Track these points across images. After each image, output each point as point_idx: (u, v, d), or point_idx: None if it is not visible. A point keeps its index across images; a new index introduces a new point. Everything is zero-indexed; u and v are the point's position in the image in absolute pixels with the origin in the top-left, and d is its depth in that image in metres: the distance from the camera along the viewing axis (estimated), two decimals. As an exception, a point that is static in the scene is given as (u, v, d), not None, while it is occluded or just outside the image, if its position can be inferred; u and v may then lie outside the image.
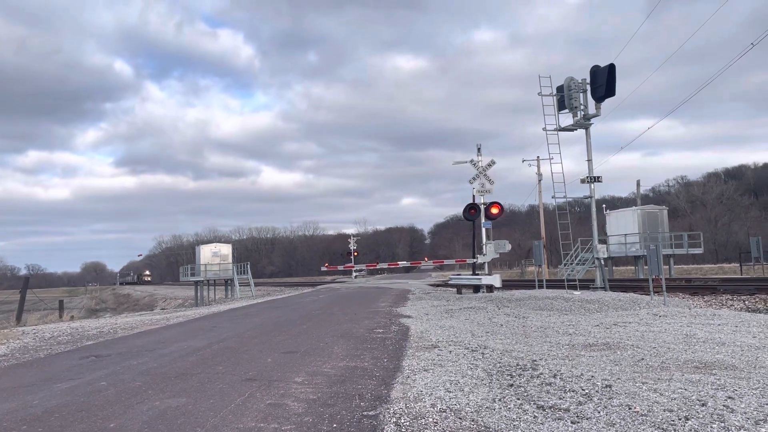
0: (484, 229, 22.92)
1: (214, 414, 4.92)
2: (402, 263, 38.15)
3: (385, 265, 45.87)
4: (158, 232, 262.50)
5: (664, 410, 4.58)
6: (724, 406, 4.67)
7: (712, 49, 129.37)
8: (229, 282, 42.35)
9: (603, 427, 4.26)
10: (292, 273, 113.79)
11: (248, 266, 40.94)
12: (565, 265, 27.29)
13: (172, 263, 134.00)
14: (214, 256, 42.35)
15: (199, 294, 43.45)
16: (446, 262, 40.93)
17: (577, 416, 4.53)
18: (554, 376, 5.97)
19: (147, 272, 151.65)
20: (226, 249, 43.71)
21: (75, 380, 6.67)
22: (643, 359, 6.86)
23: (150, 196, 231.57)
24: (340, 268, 45.69)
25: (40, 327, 15.03)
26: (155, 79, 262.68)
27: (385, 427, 4.47)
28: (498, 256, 24.12)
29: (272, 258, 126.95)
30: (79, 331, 12.96)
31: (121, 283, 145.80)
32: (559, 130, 21.15)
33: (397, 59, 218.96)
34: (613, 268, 38.52)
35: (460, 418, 4.61)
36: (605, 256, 21.72)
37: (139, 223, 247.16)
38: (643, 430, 4.18)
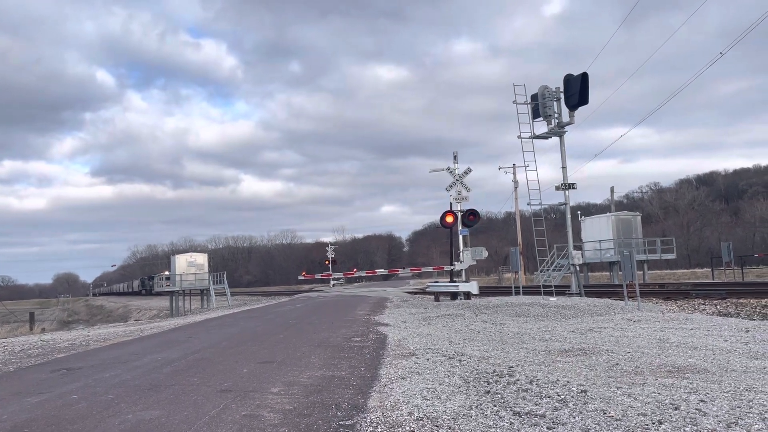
0: (461, 237, 23.01)
1: (188, 426, 4.85)
2: (380, 271, 38.15)
3: (363, 273, 45.70)
4: (133, 243, 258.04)
5: (638, 414, 4.63)
6: (696, 409, 4.74)
7: (685, 60, 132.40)
8: (205, 292, 41.90)
9: (578, 433, 4.29)
10: (270, 282, 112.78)
11: (224, 276, 40.57)
12: (541, 271, 27.57)
13: (147, 273, 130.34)
14: (190, 266, 41.85)
15: (174, 304, 42.87)
16: (424, 269, 40.93)
17: (553, 422, 4.56)
18: (530, 382, 6.01)
19: (166, 273, 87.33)
20: (201, 258, 43.25)
21: (45, 394, 6.52)
22: (617, 364, 6.94)
23: (127, 206, 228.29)
24: (318, 276, 45.34)
25: (9, 340, 14.68)
26: (137, 88, 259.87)
27: (362, 436, 4.44)
28: (475, 263, 24.20)
29: (249, 267, 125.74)
30: (50, 343, 12.68)
31: (100, 294, 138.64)
32: (534, 138, 21.42)
33: (377, 69, 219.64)
34: (589, 273, 38.90)
35: (437, 426, 4.60)
36: (580, 262, 21.99)
37: (115, 233, 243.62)
38: (618, 434, 4.21)
